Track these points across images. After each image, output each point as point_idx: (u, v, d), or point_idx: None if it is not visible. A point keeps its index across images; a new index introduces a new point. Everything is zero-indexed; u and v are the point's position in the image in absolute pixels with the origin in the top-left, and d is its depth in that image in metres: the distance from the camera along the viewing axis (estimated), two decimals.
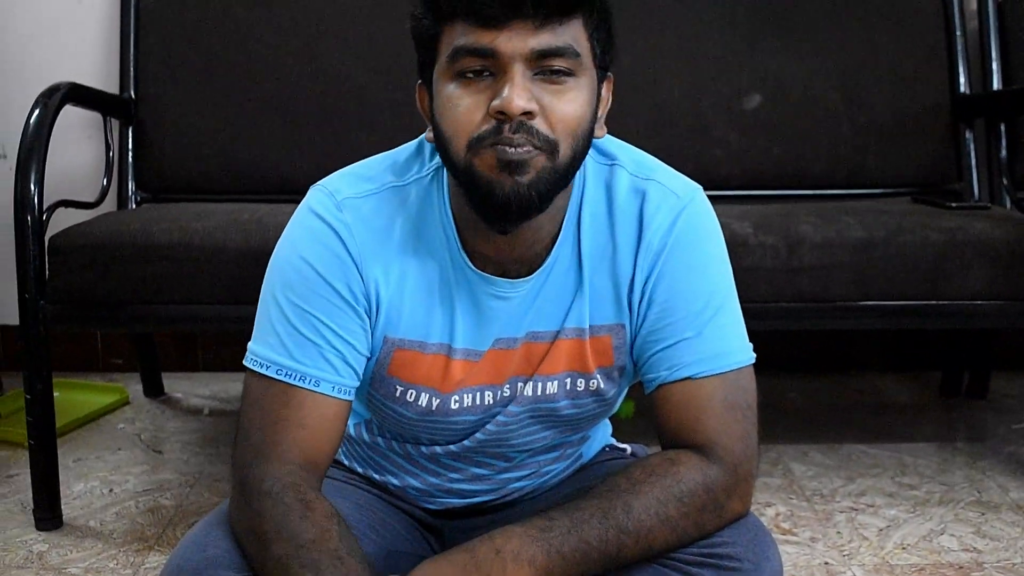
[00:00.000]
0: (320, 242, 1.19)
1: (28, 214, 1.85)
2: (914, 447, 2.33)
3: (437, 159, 1.24)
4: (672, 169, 1.28)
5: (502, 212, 1.14)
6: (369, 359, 1.24)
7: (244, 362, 1.21)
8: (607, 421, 1.50)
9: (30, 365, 1.88)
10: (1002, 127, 2.43)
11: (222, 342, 2.87)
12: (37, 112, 1.94)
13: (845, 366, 2.91)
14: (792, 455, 2.28)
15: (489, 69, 1.09)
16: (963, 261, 1.92)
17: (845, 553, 1.83)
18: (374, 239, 1.20)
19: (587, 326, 1.26)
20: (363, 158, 1.27)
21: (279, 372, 1.18)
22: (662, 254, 1.24)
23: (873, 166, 2.46)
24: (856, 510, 2.01)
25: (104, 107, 2.39)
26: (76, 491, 2.11)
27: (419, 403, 1.26)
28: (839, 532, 1.91)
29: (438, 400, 1.26)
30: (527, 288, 1.24)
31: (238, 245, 1.88)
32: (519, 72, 1.09)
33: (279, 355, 1.18)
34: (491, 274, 1.23)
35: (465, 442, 1.31)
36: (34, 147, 1.89)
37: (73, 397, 2.59)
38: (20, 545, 1.87)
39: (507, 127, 1.09)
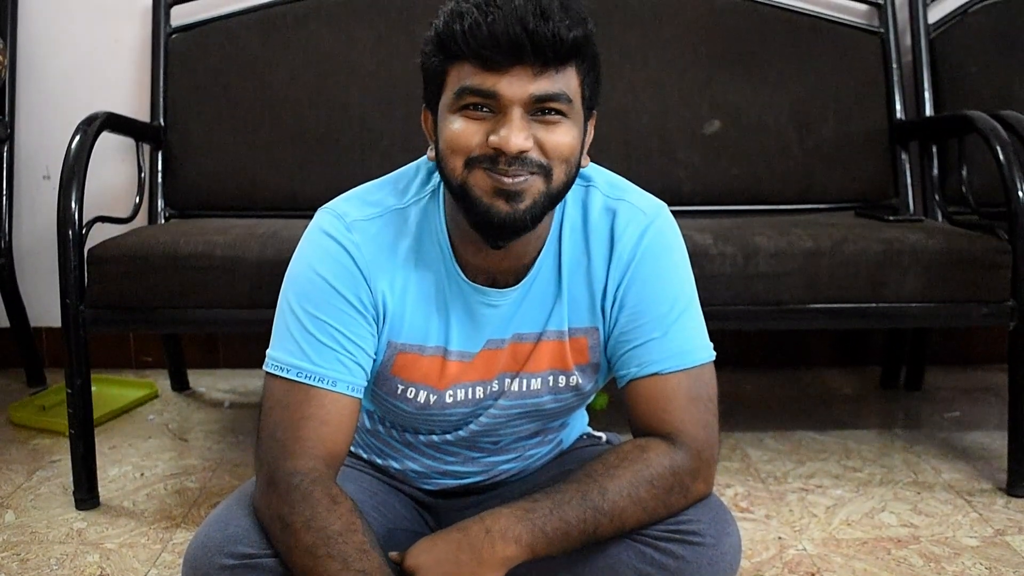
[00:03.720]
0: (333, 258, 1.20)
1: (69, 228, 1.85)
2: (857, 434, 2.33)
3: (432, 182, 1.25)
4: (641, 190, 1.29)
5: (498, 232, 1.16)
6: (375, 360, 1.24)
7: (264, 367, 1.22)
8: (584, 412, 1.51)
9: (71, 363, 1.88)
10: (934, 149, 2.44)
11: (241, 342, 2.87)
12: (78, 138, 1.94)
13: (796, 362, 2.91)
14: (749, 441, 2.28)
15: (490, 107, 1.10)
16: (901, 268, 1.92)
17: (796, 528, 1.83)
18: (380, 256, 1.21)
19: (566, 328, 1.26)
20: (365, 178, 1.29)
21: (299, 375, 1.18)
22: (631, 264, 1.25)
23: (820, 184, 2.47)
24: (806, 490, 2.01)
25: (137, 133, 2.38)
26: (111, 475, 2.10)
27: (417, 399, 1.27)
28: (791, 510, 1.91)
29: (435, 396, 1.26)
30: (514, 296, 1.25)
31: (255, 256, 1.87)
32: (517, 114, 1.09)
33: (299, 359, 1.19)
34: (482, 284, 1.24)
35: (460, 432, 1.32)
36: (75, 169, 1.89)
37: (108, 391, 2.58)
38: (62, 523, 1.86)
39: (503, 159, 1.10)
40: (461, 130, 1.11)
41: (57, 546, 1.77)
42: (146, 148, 2.45)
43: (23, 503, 1.96)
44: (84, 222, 1.89)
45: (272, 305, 1.83)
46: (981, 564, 1.68)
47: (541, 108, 1.10)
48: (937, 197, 2.40)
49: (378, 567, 1.10)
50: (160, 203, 2.47)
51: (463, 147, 1.11)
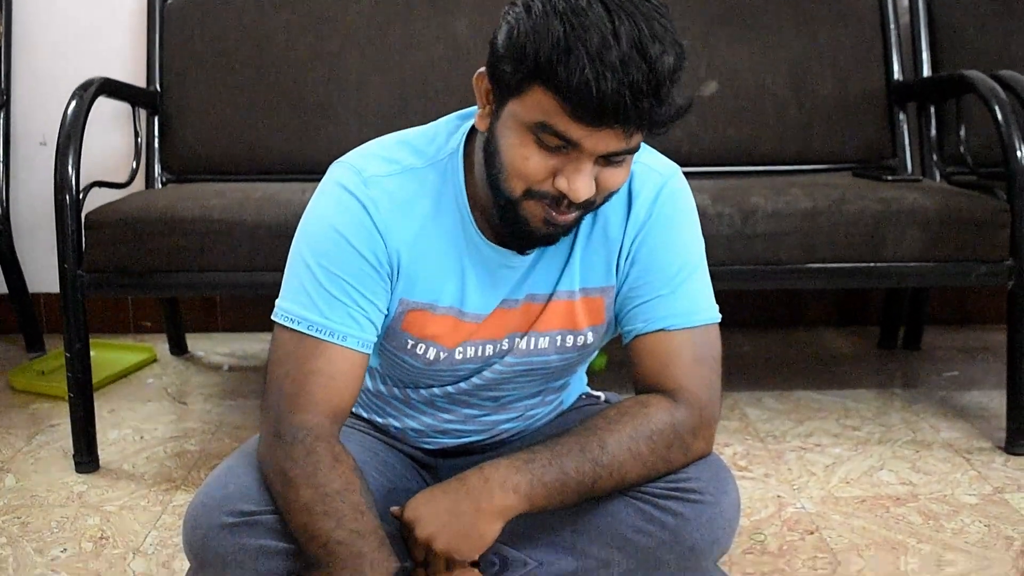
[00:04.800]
0: (349, 213, 1.17)
1: (67, 193, 1.84)
2: (856, 393, 2.33)
3: (452, 144, 1.22)
4: (655, 151, 1.27)
5: (533, 246, 1.18)
6: (385, 316, 1.23)
7: (274, 318, 1.20)
8: (584, 373, 1.50)
9: (69, 327, 1.87)
10: (932, 109, 2.42)
11: (240, 306, 2.86)
12: (74, 103, 1.92)
13: (794, 322, 2.91)
14: (747, 401, 2.27)
15: (566, 148, 1.06)
16: (898, 227, 1.91)
17: (795, 487, 1.83)
18: (397, 212, 1.19)
19: (577, 288, 1.26)
20: (361, 143, 1.26)
21: (310, 328, 1.17)
22: (647, 222, 1.25)
23: (818, 145, 2.45)
24: (805, 449, 2.01)
25: (133, 99, 2.36)
26: (111, 438, 2.09)
27: (427, 355, 1.26)
28: (790, 468, 1.91)
29: (445, 353, 1.26)
30: (532, 256, 1.23)
31: (252, 219, 1.86)
32: (590, 165, 1.07)
33: (310, 312, 1.17)
34: (500, 245, 1.22)
35: (462, 384, 1.31)
36: (71, 134, 1.87)
37: (107, 356, 2.57)
38: (62, 486, 1.86)
39: (564, 203, 1.09)
40: (531, 161, 1.07)
41: (57, 509, 1.77)
42: (142, 113, 2.43)
43: (23, 467, 1.95)
44: (81, 187, 1.88)
45: (270, 268, 1.86)
46: (980, 521, 1.68)
47: (611, 158, 1.08)
48: (935, 157, 2.39)
49: (372, 528, 1.11)
50: (157, 168, 2.45)
51: (529, 178, 1.08)
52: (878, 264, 1.93)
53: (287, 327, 1.19)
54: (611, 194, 1.15)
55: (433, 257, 1.21)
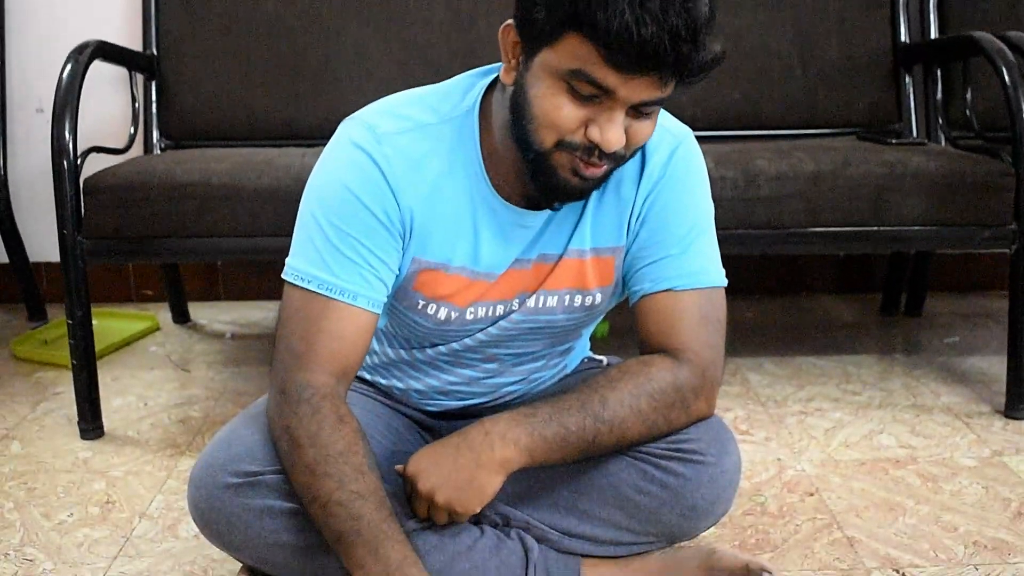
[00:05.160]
0: (361, 170, 1.17)
1: (64, 159, 1.84)
2: (857, 359, 2.35)
3: (467, 101, 1.22)
4: (667, 113, 1.28)
5: (563, 200, 1.19)
6: (397, 276, 1.23)
7: (284, 276, 1.20)
8: (587, 339, 1.51)
9: (70, 294, 1.88)
10: (938, 72, 2.41)
11: (241, 274, 2.87)
12: (69, 67, 1.92)
13: (796, 288, 2.92)
14: (749, 366, 2.29)
15: (599, 97, 1.06)
16: (902, 191, 1.92)
17: (796, 450, 1.85)
18: (410, 170, 1.18)
19: (588, 247, 1.27)
20: (361, 107, 1.25)
21: (320, 286, 1.17)
22: (660, 182, 1.25)
23: (822, 108, 2.45)
24: (805, 413, 2.02)
25: (129, 63, 2.36)
26: (115, 406, 2.12)
27: (437, 315, 1.26)
28: (790, 432, 1.93)
29: (456, 313, 1.26)
30: (545, 216, 1.24)
31: (252, 184, 1.87)
32: (622, 114, 1.08)
33: (320, 271, 1.17)
34: (514, 204, 1.22)
35: (467, 340, 1.31)
36: (67, 99, 1.87)
37: (110, 324, 2.59)
38: (68, 453, 1.88)
39: (596, 152, 1.09)
40: (564, 111, 1.07)
41: (63, 475, 1.79)
42: (140, 79, 2.44)
43: (28, 434, 1.98)
44: (79, 153, 1.88)
45: (271, 233, 1.87)
46: (978, 484, 1.70)
47: (642, 108, 1.09)
48: (940, 121, 2.39)
49: (372, 490, 1.12)
50: (155, 134, 2.45)
51: (561, 128, 1.08)
52: (881, 228, 1.94)
53: (297, 285, 1.19)
54: (637, 150, 1.16)
55: (446, 216, 1.21)
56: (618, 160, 1.13)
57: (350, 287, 1.17)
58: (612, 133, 1.07)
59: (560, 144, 1.09)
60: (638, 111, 1.09)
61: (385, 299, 1.21)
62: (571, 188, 1.14)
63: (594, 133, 1.07)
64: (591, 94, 1.05)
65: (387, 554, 1.09)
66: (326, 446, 1.12)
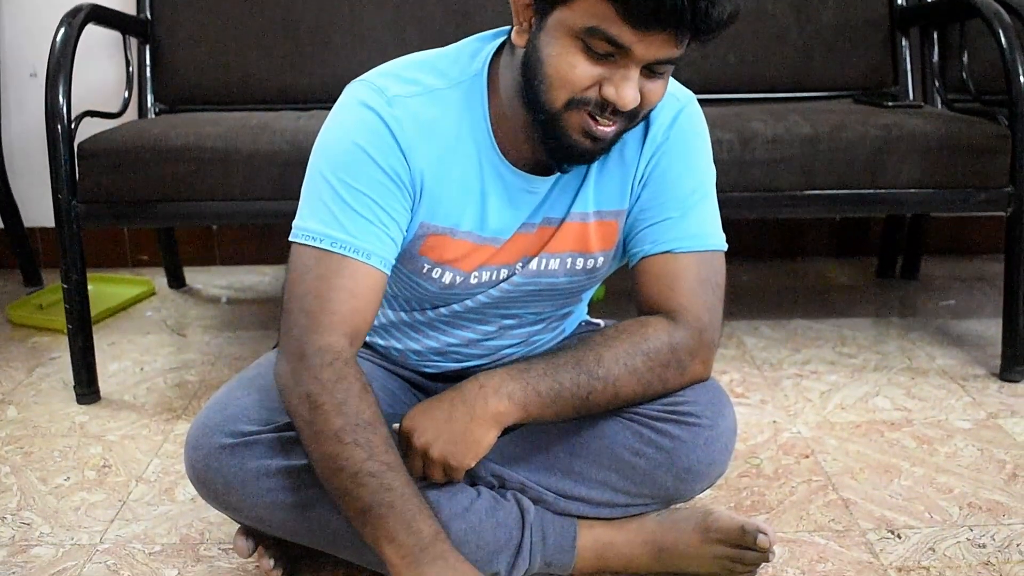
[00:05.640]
0: (372, 130, 1.16)
1: (58, 123, 1.83)
2: (853, 322, 2.35)
3: (475, 66, 1.21)
4: (671, 78, 1.27)
5: (573, 162, 1.17)
6: (404, 237, 1.22)
7: (292, 237, 1.17)
8: (586, 302, 1.51)
9: (65, 258, 1.87)
10: (934, 35, 2.39)
11: (237, 239, 2.86)
12: (62, 31, 1.91)
13: (792, 252, 2.92)
14: (745, 330, 2.29)
15: (613, 56, 1.05)
16: (899, 154, 1.91)
17: (791, 413, 1.85)
18: (420, 134, 1.17)
19: (591, 211, 1.26)
20: (358, 69, 1.24)
21: (333, 244, 1.14)
22: (663, 145, 1.25)
23: (818, 71, 2.43)
24: (801, 376, 2.02)
25: (123, 26, 2.34)
26: (111, 370, 2.11)
27: (442, 280, 1.26)
28: (786, 395, 1.93)
29: (460, 278, 1.26)
30: (550, 181, 1.23)
31: (247, 147, 1.86)
32: (637, 72, 1.07)
33: (333, 229, 1.15)
34: (521, 169, 1.21)
35: (468, 302, 1.30)
36: (61, 62, 1.86)
37: (105, 289, 2.58)
38: (64, 417, 1.88)
39: (608, 110, 1.09)
40: (578, 69, 1.06)
41: (60, 439, 1.79)
42: (133, 42, 2.42)
43: (24, 399, 1.97)
44: (73, 117, 1.87)
45: (266, 197, 1.86)
46: (973, 446, 1.70)
47: (655, 67, 1.08)
48: (936, 84, 2.37)
49: (400, 463, 1.11)
50: (149, 98, 2.43)
51: (574, 86, 1.08)
52: (877, 191, 1.93)
53: (308, 245, 1.15)
54: (648, 111, 1.15)
55: (455, 181, 1.20)
56: (629, 120, 1.13)
57: (364, 245, 1.15)
58: (627, 90, 1.06)
59: (571, 103, 1.09)
60: (651, 71, 1.08)
61: (394, 259, 1.19)
62: (582, 149, 1.13)
63: (609, 91, 1.07)
64: (606, 52, 1.05)
65: (420, 528, 1.08)
66: (355, 415, 1.10)
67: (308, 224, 1.16)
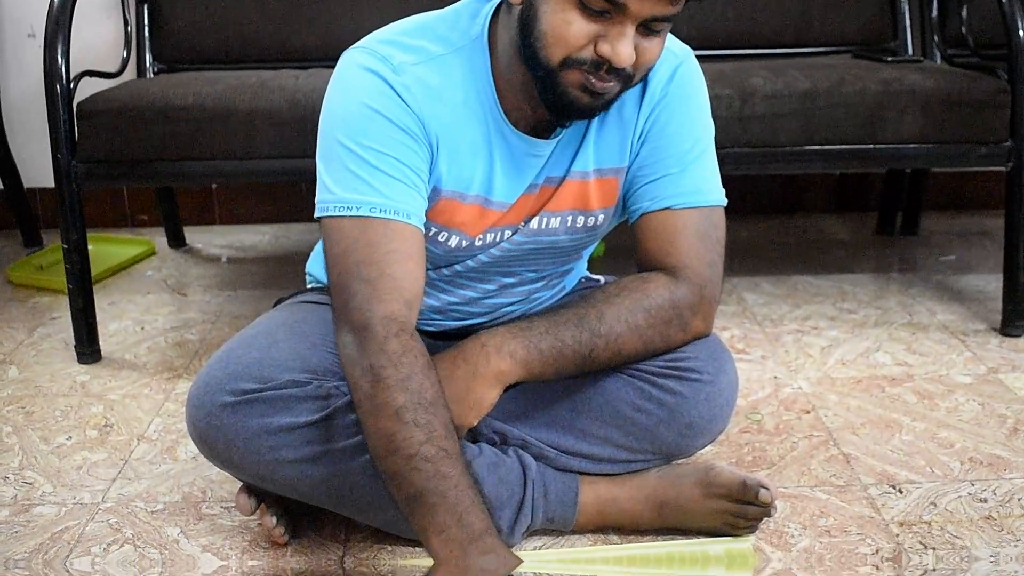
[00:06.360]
0: (384, 94, 1.13)
1: (57, 82, 1.80)
2: (853, 277, 2.33)
3: (475, 29, 1.19)
4: (669, 33, 1.25)
5: (573, 118, 1.16)
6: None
7: (323, 212, 1.14)
8: (586, 259, 1.49)
9: (65, 218, 1.85)
10: None
11: (237, 198, 2.84)
12: None
13: (793, 208, 2.89)
14: (745, 286, 2.27)
15: (609, 13, 1.04)
16: (898, 108, 1.88)
17: (792, 368, 1.84)
18: (429, 100, 1.15)
19: (591, 169, 1.24)
20: (356, 28, 1.21)
21: (373, 210, 1.11)
22: (661, 101, 1.24)
23: (818, 26, 2.39)
24: (802, 332, 2.01)
25: None
26: (112, 330, 2.10)
27: (449, 243, 1.24)
28: (787, 351, 1.92)
29: (466, 241, 1.24)
30: (553, 143, 1.22)
31: (247, 106, 1.83)
32: (632, 29, 1.05)
33: (368, 195, 1.12)
34: (524, 131, 1.20)
35: (469, 262, 1.29)
36: (59, 22, 1.82)
37: (105, 249, 2.56)
38: (65, 376, 1.87)
39: (604, 68, 1.07)
40: (573, 26, 1.05)
41: (61, 399, 1.78)
42: (132, 2, 2.38)
43: (25, 358, 1.96)
44: (71, 77, 1.84)
45: (265, 156, 1.84)
46: (974, 400, 1.69)
47: (650, 25, 1.06)
48: (936, 39, 2.34)
49: (457, 451, 1.07)
50: (148, 58, 2.40)
51: (571, 45, 1.06)
52: (877, 146, 1.90)
53: (347, 216, 1.12)
54: (646, 71, 1.13)
55: (465, 145, 1.18)
56: (625, 81, 1.11)
57: (403, 206, 1.12)
58: (622, 47, 1.05)
59: (567, 62, 1.07)
60: (648, 28, 1.06)
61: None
62: (582, 105, 1.11)
63: (604, 48, 1.05)
64: (602, 9, 1.03)
65: (471, 521, 1.05)
66: (418, 392, 1.06)
67: (340, 195, 1.13)
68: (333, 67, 1.20)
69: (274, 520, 1.28)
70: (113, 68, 2.21)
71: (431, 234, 1.23)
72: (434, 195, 1.19)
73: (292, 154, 1.82)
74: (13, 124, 2.67)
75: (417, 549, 1.28)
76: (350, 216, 1.12)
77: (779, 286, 2.27)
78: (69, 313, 1.92)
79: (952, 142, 1.92)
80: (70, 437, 1.63)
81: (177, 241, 2.68)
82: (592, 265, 1.54)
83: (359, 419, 1.10)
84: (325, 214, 1.14)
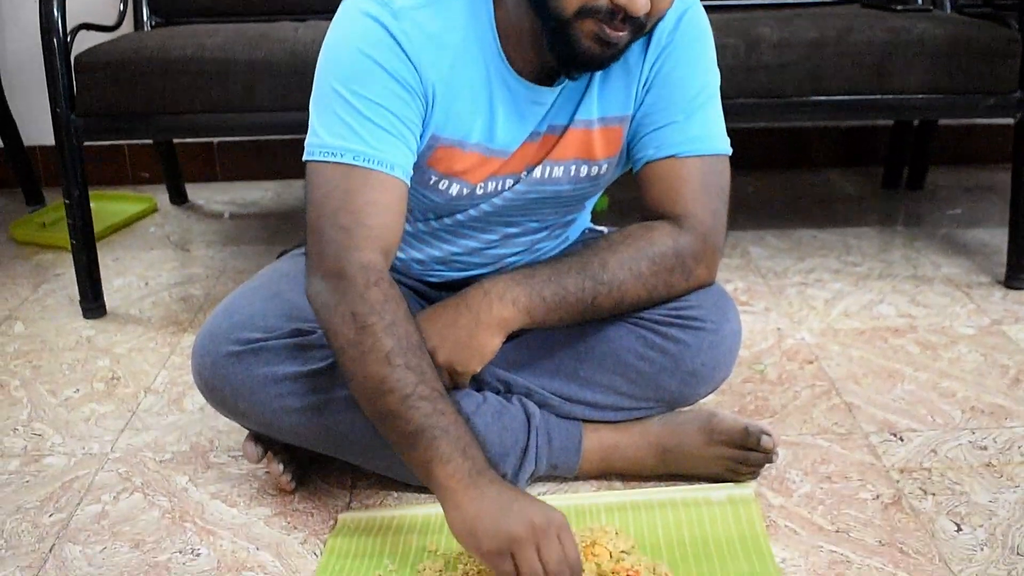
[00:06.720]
0: (381, 42, 1.13)
1: (54, 36, 1.81)
2: (858, 231, 2.34)
3: None
4: None
5: (583, 69, 1.15)
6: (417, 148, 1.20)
7: (309, 156, 1.15)
8: (589, 210, 1.51)
9: (66, 174, 1.87)
10: None
11: (238, 154, 2.85)
12: None
13: (798, 162, 2.90)
14: (750, 239, 2.29)
15: None
16: (906, 58, 1.88)
17: (795, 320, 1.86)
18: (429, 46, 1.15)
19: (595, 117, 1.25)
20: None
21: (356, 158, 1.12)
22: (667, 48, 1.24)
23: None
24: (806, 284, 2.03)
25: None
26: (116, 285, 2.12)
27: (449, 191, 1.25)
28: (790, 303, 1.94)
29: (467, 189, 1.25)
30: (557, 90, 1.22)
31: (246, 57, 1.83)
32: None
33: (353, 143, 1.13)
34: (527, 78, 1.20)
35: (471, 211, 1.29)
36: None
37: (108, 207, 2.58)
38: (71, 331, 1.90)
39: (619, 16, 1.07)
40: None
41: (68, 353, 1.80)
42: None
43: (31, 314, 1.98)
44: (68, 30, 1.84)
45: (265, 108, 1.85)
46: (977, 352, 1.71)
47: None
48: None
49: (446, 392, 1.09)
50: (145, 11, 2.40)
51: None
52: (884, 96, 1.90)
53: (330, 162, 1.13)
54: (657, 21, 1.14)
55: (464, 92, 1.18)
56: (637, 30, 1.11)
57: (387, 157, 1.13)
58: None
59: (583, 11, 1.07)
60: None
61: (412, 172, 1.18)
62: (593, 55, 1.11)
63: (622, 1, 1.05)
64: None
65: (475, 455, 1.06)
66: (405, 337, 1.08)
67: (326, 140, 1.14)
68: (332, 19, 1.21)
69: (281, 467, 1.31)
70: (110, 21, 2.21)
71: (431, 182, 1.24)
72: (432, 142, 1.20)
73: (292, 106, 1.82)
74: (12, 81, 2.68)
75: (421, 495, 1.31)
76: (333, 162, 1.13)
77: (784, 239, 2.29)
78: (73, 269, 1.94)
79: (960, 92, 1.92)
80: (77, 390, 1.66)
81: (179, 198, 2.70)
82: (596, 218, 1.55)
83: (340, 364, 1.11)
84: (310, 158, 1.15)
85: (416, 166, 1.20)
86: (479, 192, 1.26)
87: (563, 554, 1.01)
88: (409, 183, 1.16)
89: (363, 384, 1.09)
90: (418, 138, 1.18)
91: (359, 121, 1.13)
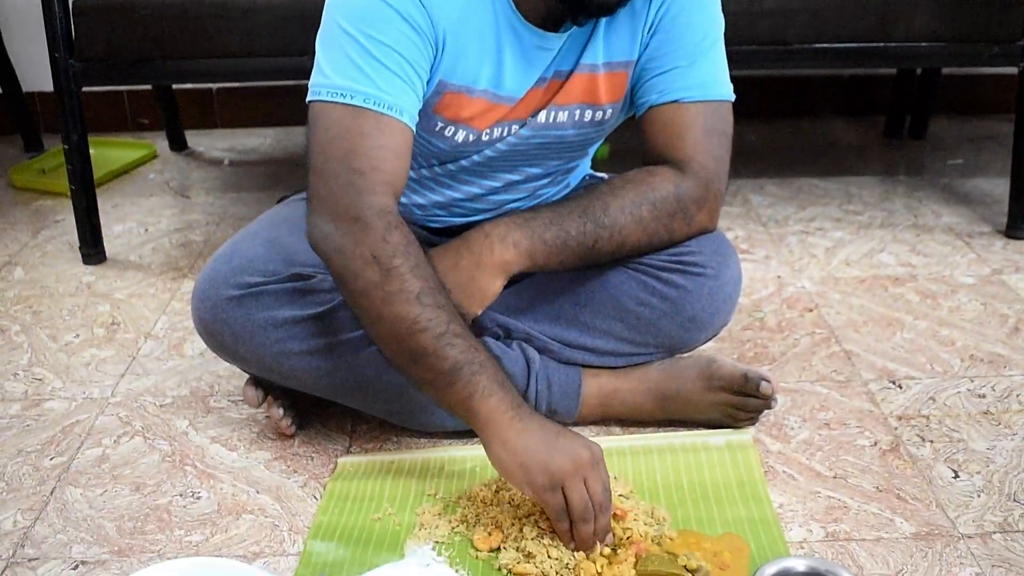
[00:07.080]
0: None
1: None
2: (860, 180, 2.33)
3: None
4: None
5: (592, 15, 1.15)
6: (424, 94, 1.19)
7: (315, 96, 1.12)
8: (590, 157, 1.49)
9: (65, 119, 1.85)
10: None
11: (237, 101, 2.83)
12: None
13: (800, 111, 2.87)
14: (751, 188, 2.28)
15: None
16: (911, 5, 1.86)
17: (796, 268, 1.85)
18: None
19: (600, 62, 1.23)
20: None
21: (366, 100, 1.10)
22: None
23: None
24: (806, 233, 2.02)
25: None
26: (116, 232, 2.11)
27: (455, 138, 1.23)
28: (791, 251, 1.93)
29: (473, 136, 1.24)
30: (563, 37, 1.21)
31: (245, 2, 1.81)
32: None
33: (364, 85, 1.10)
34: (534, 23, 1.18)
35: (475, 157, 1.28)
36: None
37: (107, 153, 2.56)
38: (71, 277, 1.89)
39: None
40: None
41: (68, 298, 1.80)
42: None
43: (31, 260, 1.98)
44: None
45: (266, 53, 1.83)
46: (976, 300, 1.71)
47: None
48: None
49: (468, 331, 1.09)
50: None
51: None
52: (888, 44, 1.88)
53: (339, 103, 1.10)
54: None
55: (473, 38, 1.16)
56: None
57: (397, 101, 1.11)
58: None
59: None
60: None
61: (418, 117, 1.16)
62: (602, 1, 1.11)
63: None
64: None
65: (512, 388, 1.08)
66: (430, 278, 1.08)
67: (334, 80, 1.11)
68: None
69: (281, 412, 1.31)
70: None
71: (437, 128, 1.22)
72: (440, 88, 1.18)
73: (292, 52, 1.80)
74: (11, 27, 2.65)
75: (421, 440, 1.31)
76: (343, 103, 1.10)
77: (785, 188, 2.28)
78: (73, 215, 1.94)
79: (964, 40, 1.90)
80: (78, 335, 1.66)
81: (178, 144, 2.68)
82: (596, 166, 1.54)
83: (362, 307, 1.09)
84: (316, 98, 1.12)
85: (422, 112, 1.19)
86: (485, 138, 1.25)
87: (607, 485, 1.06)
88: (415, 129, 1.15)
89: (392, 325, 1.07)
90: (425, 84, 1.16)
91: (370, 63, 1.10)
